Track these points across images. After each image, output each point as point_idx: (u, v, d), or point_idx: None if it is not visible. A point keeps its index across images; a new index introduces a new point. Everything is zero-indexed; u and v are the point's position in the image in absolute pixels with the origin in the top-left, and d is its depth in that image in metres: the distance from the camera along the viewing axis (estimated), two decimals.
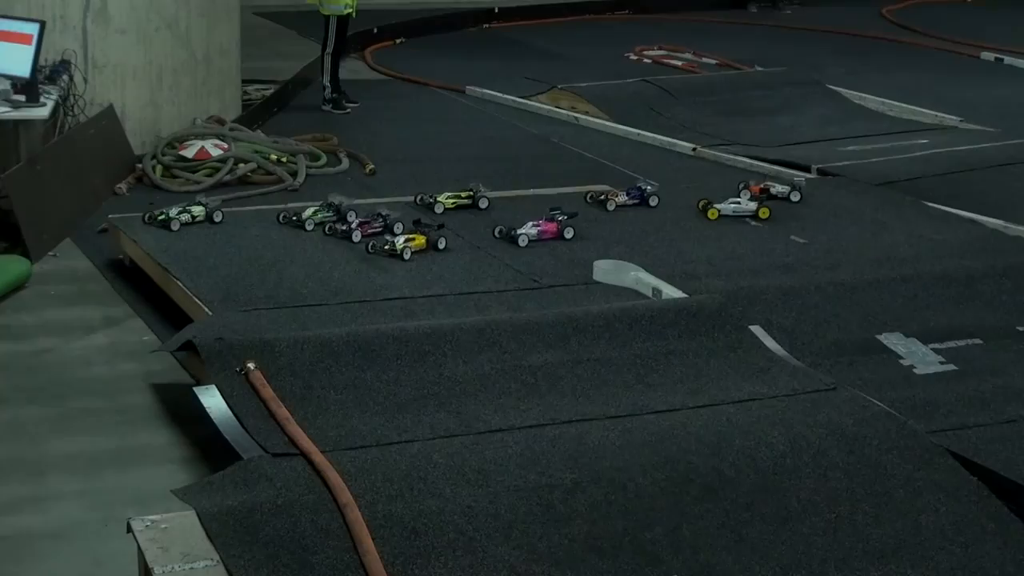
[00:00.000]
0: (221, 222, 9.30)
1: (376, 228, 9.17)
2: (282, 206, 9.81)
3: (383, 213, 9.29)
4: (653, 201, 10.27)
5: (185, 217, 9.18)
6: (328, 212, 9.35)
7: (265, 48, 16.88)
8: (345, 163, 11.88)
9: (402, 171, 11.81)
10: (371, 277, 8.45)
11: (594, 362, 7.14)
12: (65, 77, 10.77)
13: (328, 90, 14.27)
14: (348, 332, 7.11)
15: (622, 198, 10.28)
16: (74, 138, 10.51)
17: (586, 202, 10.26)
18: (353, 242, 9.01)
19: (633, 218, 9.97)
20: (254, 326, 7.39)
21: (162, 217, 9.12)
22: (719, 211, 9.99)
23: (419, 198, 10.08)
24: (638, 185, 10.51)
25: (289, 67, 15.42)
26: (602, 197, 10.28)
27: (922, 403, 7.01)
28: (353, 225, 9.14)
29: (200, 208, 9.31)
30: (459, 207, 9.97)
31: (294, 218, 9.34)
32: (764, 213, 9.97)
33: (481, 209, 9.99)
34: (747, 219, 9.98)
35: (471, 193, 10.10)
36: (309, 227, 9.23)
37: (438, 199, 9.96)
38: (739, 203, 10.10)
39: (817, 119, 14.33)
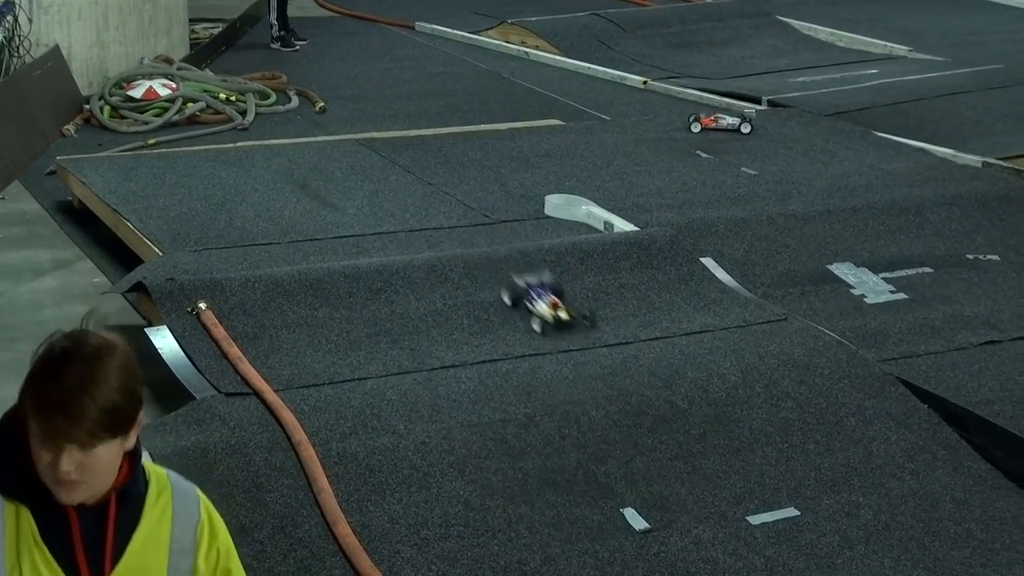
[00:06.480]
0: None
1: None
2: (232, 145, 9.74)
3: None
4: None
5: None
6: None
7: None
8: (295, 101, 11.80)
9: (352, 108, 11.76)
10: (322, 215, 8.40)
11: None
12: (9, 18, 10.65)
13: (276, 28, 14.15)
14: (299, 270, 7.09)
15: None
16: (20, 80, 10.39)
17: None
18: None
19: (584, 152, 9.95)
20: (205, 266, 7.35)
21: None
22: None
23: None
24: None
25: (237, 5, 15.28)
26: None
27: (873, 332, 7.06)
28: None
29: None
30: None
31: None
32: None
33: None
34: (697, 151, 9.98)
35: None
36: None
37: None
38: None
39: (767, 50, 14.35)
